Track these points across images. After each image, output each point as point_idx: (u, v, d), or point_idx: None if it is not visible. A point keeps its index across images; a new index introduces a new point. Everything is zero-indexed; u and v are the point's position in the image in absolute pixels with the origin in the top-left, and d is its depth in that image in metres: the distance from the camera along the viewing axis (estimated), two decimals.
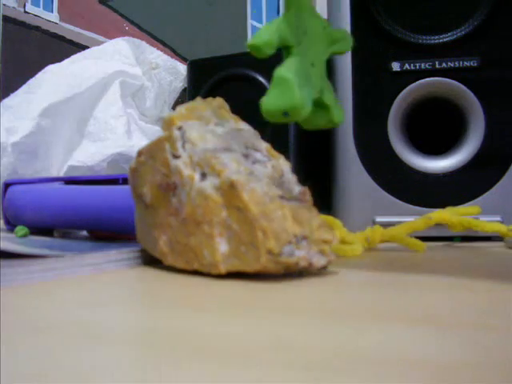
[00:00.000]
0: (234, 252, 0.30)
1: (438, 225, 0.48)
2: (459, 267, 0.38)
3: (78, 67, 0.77)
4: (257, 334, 0.20)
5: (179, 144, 0.33)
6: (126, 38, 0.85)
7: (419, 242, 0.45)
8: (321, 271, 0.33)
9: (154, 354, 0.17)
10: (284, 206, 0.31)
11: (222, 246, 0.31)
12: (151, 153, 0.34)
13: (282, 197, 0.32)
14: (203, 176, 0.32)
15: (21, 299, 0.26)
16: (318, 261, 0.32)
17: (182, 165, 0.32)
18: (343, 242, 0.44)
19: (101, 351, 0.18)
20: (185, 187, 0.32)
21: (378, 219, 0.56)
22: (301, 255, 0.31)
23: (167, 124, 0.33)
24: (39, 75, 0.77)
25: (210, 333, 0.20)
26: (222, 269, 0.31)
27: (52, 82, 0.75)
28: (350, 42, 0.38)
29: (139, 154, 0.35)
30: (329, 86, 0.36)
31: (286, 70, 0.32)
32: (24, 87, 0.76)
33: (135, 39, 0.86)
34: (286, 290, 0.29)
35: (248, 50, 0.32)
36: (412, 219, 0.48)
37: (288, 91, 0.31)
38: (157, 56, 0.84)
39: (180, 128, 0.33)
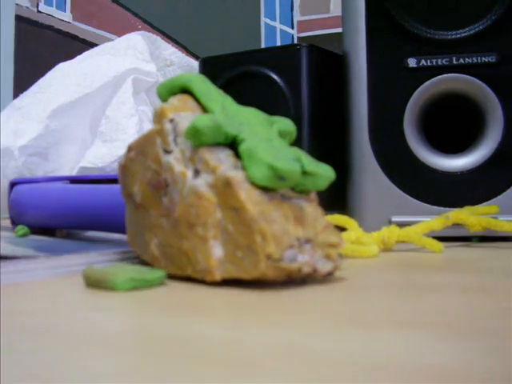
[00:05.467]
0: (230, 257, 0.28)
1: (456, 225, 0.47)
2: (479, 269, 0.36)
3: (90, 65, 0.76)
4: (265, 341, 0.19)
5: (171, 138, 0.30)
6: (142, 32, 0.83)
7: (436, 243, 0.43)
8: (326, 278, 0.30)
9: (157, 361, 0.17)
10: (285, 206, 0.29)
11: (217, 251, 0.28)
12: (141, 148, 0.31)
13: (283, 195, 0.29)
14: (196, 173, 0.29)
15: None
16: (324, 266, 0.29)
17: (174, 160, 0.30)
18: (359, 242, 0.42)
19: (95, 357, 0.17)
20: (177, 185, 0.29)
21: (394, 219, 0.54)
22: (304, 260, 0.28)
23: (158, 116, 0.31)
24: (49, 74, 0.76)
25: (213, 339, 0.19)
26: (217, 275, 0.28)
27: (62, 82, 0.73)
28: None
29: (129, 149, 0.32)
30: (303, 153, 0.32)
31: (249, 143, 0.29)
32: (34, 87, 0.74)
33: (151, 34, 0.84)
34: (289, 297, 0.26)
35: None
36: (429, 219, 0.47)
37: (261, 159, 0.28)
38: (172, 53, 0.82)
39: (172, 120, 0.30)
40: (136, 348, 0.18)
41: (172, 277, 0.30)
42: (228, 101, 0.32)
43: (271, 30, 1.08)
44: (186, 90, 0.32)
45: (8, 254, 0.32)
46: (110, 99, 0.74)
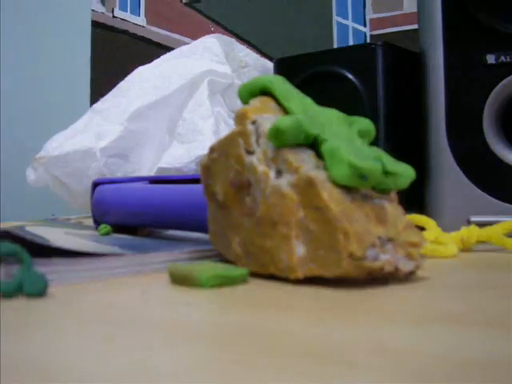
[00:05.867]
0: (312, 255, 0.28)
1: None
2: None
3: (167, 68, 0.77)
4: (353, 337, 0.19)
5: (253, 139, 0.31)
6: (217, 35, 0.84)
7: None
8: (408, 277, 0.30)
9: (251, 355, 0.17)
10: (367, 205, 0.29)
11: (299, 249, 0.28)
12: (223, 149, 0.32)
13: (364, 195, 0.30)
14: (279, 173, 0.30)
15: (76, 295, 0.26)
16: (405, 265, 0.29)
17: (256, 161, 0.30)
18: (437, 242, 0.42)
19: (185, 349, 0.18)
20: (259, 185, 0.30)
21: (473, 219, 0.53)
22: (386, 259, 0.28)
23: (240, 118, 0.31)
24: (129, 78, 0.78)
25: (305, 335, 0.19)
26: (300, 273, 0.29)
27: (141, 85, 0.75)
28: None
29: (211, 150, 0.33)
30: (383, 153, 0.32)
31: (331, 143, 0.30)
32: (114, 90, 0.77)
33: (226, 37, 0.85)
34: (371, 295, 0.27)
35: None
36: (510, 219, 0.45)
37: (343, 159, 0.29)
38: (246, 54, 0.83)
39: (254, 122, 0.31)
40: (225, 341, 0.19)
41: (254, 274, 0.31)
42: (308, 102, 0.33)
43: (343, 28, 1.08)
44: (266, 92, 0.33)
45: (95, 251, 0.33)
46: (186, 101, 0.76)
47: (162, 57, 0.82)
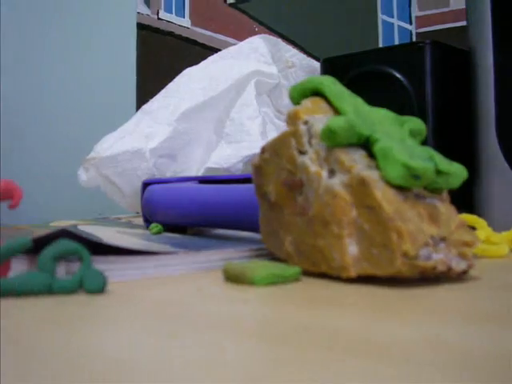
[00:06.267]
0: (365, 254, 0.28)
1: None
2: None
3: (215, 69, 0.78)
4: (409, 334, 0.19)
5: (305, 139, 0.31)
6: (263, 35, 0.85)
7: None
8: (460, 276, 0.30)
9: (310, 352, 0.17)
10: (419, 205, 0.29)
11: (352, 248, 0.29)
12: (275, 149, 0.33)
13: (416, 194, 0.30)
14: (331, 173, 0.30)
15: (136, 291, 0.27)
16: (458, 265, 0.29)
17: (309, 161, 0.31)
18: (488, 242, 0.41)
19: (249, 348, 0.18)
20: (312, 185, 0.30)
21: None
22: (439, 258, 0.28)
23: (292, 118, 0.32)
24: (177, 79, 0.79)
25: (362, 332, 0.20)
26: (353, 272, 0.29)
27: (189, 86, 0.76)
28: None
29: (263, 150, 0.34)
30: (435, 152, 0.32)
31: (384, 143, 0.30)
32: (162, 92, 0.78)
33: (272, 37, 0.86)
34: (424, 294, 0.27)
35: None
36: None
37: (396, 158, 0.29)
38: (293, 54, 0.84)
39: (306, 122, 0.31)
40: (283, 338, 0.19)
41: (306, 273, 0.31)
42: (359, 102, 0.33)
43: (389, 26, 1.07)
44: (317, 92, 0.33)
45: (150, 250, 0.34)
46: (234, 102, 0.76)
47: (209, 58, 0.83)
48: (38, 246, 0.27)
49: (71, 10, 0.98)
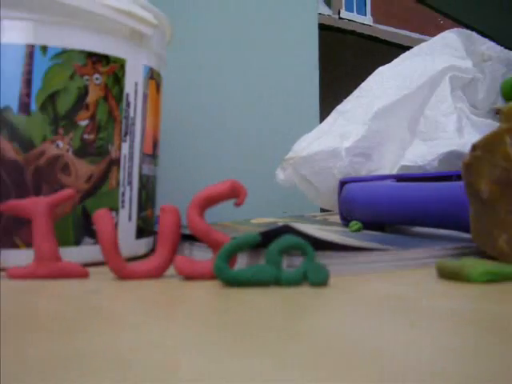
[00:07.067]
0: None
1: None
2: None
3: (407, 66, 0.78)
4: None
5: None
6: (455, 29, 0.83)
7: None
8: None
9: None
10: None
11: None
12: (488, 146, 0.33)
13: None
14: None
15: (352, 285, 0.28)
16: None
17: None
18: None
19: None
20: None
21: None
22: None
23: (508, 115, 0.32)
24: (369, 78, 0.80)
25: None
26: None
27: (382, 85, 0.77)
28: None
29: (474, 148, 0.34)
30: None
31: None
32: (356, 91, 0.79)
33: (465, 30, 0.83)
34: None
35: None
36: None
37: None
38: (489, 47, 0.81)
39: None
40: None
41: None
42: None
43: None
44: None
45: (363, 246, 0.35)
46: (427, 98, 0.76)
47: (401, 55, 0.83)
48: (262, 240, 0.30)
49: (253, 14, 1.02)
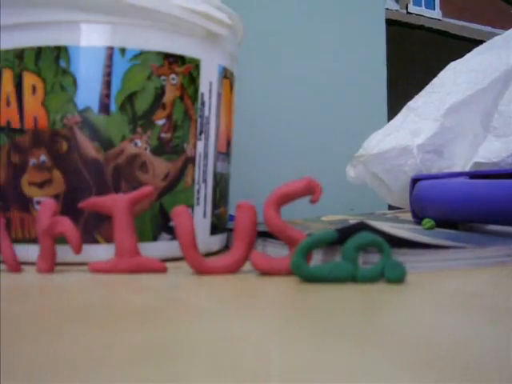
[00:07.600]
0: None
1: None
2: None
3: (480, 61, 0.76)
4: None
5: None
6: None
7: None
8: None
9: None
10: None
11: None
12: None
13: None
14: None
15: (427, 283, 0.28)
16: None
17: None
18: None
19: None
20: None
21: None
22: None
23: None
24: (441, 74, 0.79)
25: None
26: None
27: (454, 80, 0.75)
28: None
29: None
30: None
31: None
32: (427, 87, 0.78)
33: None
34: None
35: None
36: None
37: None
38: None
39: None
40: None
41: None
42: None
43: None
44: None
45: (440, 244, 0.35)
46: (501, 94, 0.74)
47: (474, 50, 0.81)
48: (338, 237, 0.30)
49: (321, 11, 1.02)
